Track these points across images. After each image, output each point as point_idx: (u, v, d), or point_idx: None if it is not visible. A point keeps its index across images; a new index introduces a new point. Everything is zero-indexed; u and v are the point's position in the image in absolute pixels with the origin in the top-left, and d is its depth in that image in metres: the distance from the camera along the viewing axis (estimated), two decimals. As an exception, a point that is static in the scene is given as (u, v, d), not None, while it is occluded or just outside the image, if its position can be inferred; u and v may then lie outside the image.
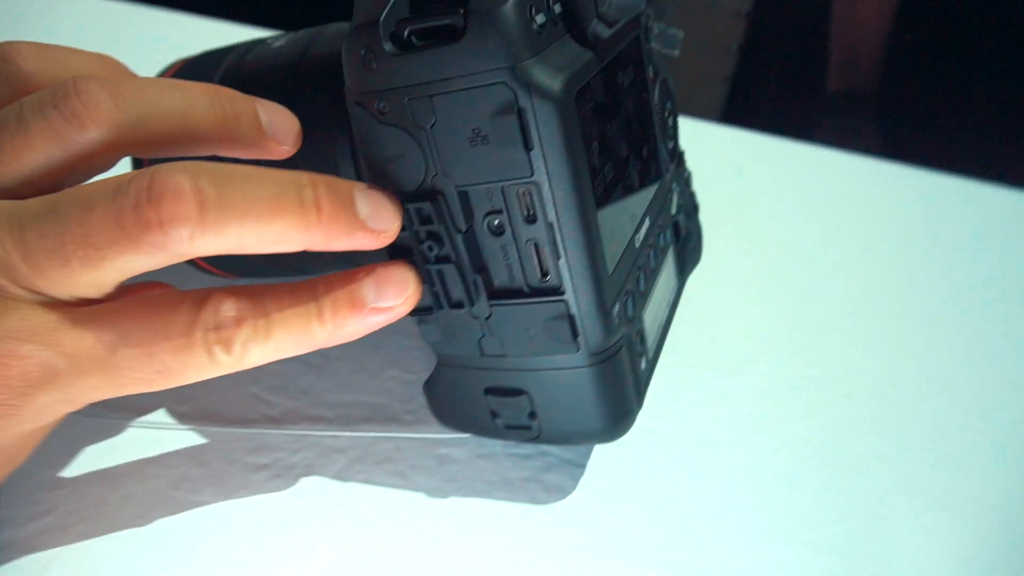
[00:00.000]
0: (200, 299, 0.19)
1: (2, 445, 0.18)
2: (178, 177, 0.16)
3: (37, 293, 0.18)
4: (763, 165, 0.46)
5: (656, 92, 0.26)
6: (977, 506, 0.25)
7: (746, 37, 1.01)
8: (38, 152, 0.18)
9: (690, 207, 0.31)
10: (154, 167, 0.17)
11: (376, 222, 0.19)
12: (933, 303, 0.35)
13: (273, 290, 0.19)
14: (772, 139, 0.48)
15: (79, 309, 0.18)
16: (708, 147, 0.45)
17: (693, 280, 0.31)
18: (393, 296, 0.20)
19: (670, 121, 0.27)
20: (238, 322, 0.18)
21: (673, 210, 0.28)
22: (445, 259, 0.20)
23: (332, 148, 0.24)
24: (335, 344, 0.20)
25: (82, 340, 0.18)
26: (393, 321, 0.20)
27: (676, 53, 0.29)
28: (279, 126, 0.21)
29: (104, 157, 0.18)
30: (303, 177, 0.18)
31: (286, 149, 0.21)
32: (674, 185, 0.28)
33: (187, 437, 0.25)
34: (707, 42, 1.00)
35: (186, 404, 0.26)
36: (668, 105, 0.27)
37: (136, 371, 0.18)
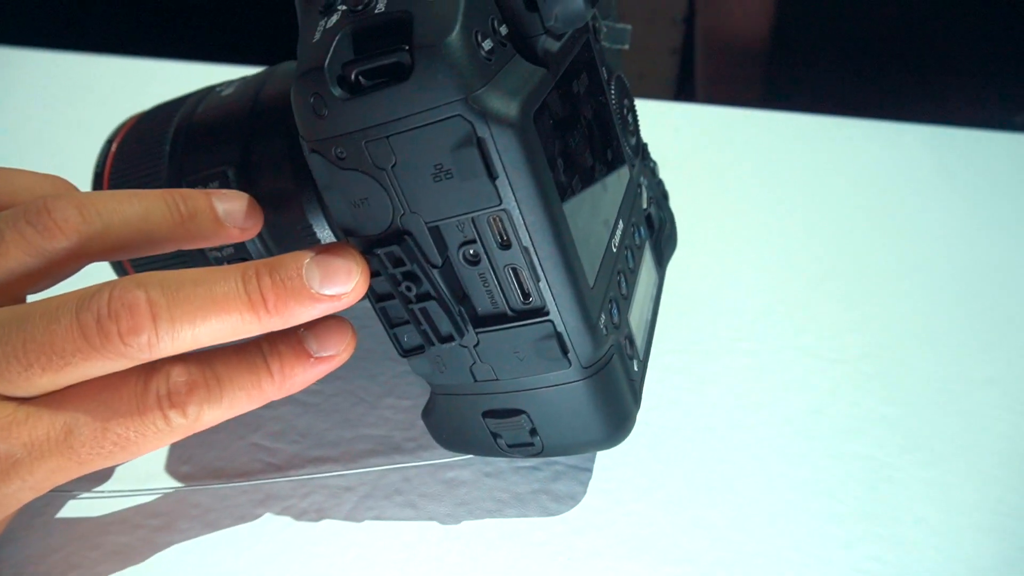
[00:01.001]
0: (149, 369, 0.20)
1: None
2: (134, 292, 0.18)
3: None
4: (723, 137, 0.46)
5: (612, 91, 0.26)
6: (978, 455, 0.26)
7: (690, 8, 1.00)
8: (12, 261, 0.20)
9: (660, 196, 0.31)
10: (113, 282, 0.19)
11: (332, 287, 0.20)
12: (910, 257, 0.36)
13: (221, 352, 0.21)
14: (728, 110, 0.49)
15: (32, 400, 0.19)
16: (664, 126, 0.45)
17: (670, 266, 0.31)
18: (334, 345, 0.21)
19: (629, 117, 0.27)
20: (190, 387, 0.20)
21: (644, 204, 0.28)
22: (426, 296, 0.20)
23: (298, 194, 0.24)
24: (286, 395, 0.21)
25: (36, 428, 0.19)
26: (338, 366, 0.22)
27: (626, 46, 0.29)
28: (235, 213, 0.22)
29: (71, 264, 0.20)
30: (250, 269, 0.20)
31: (246, 231, 0.22)
32: (642, 179, 0.28)
33: (194, 499, 0.25)
34: (653, 15, 0.99)
35: (188, 464, 0.26)
36: (625, 102, 0.27)
37: (94, 448, 0.19)
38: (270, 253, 0.25)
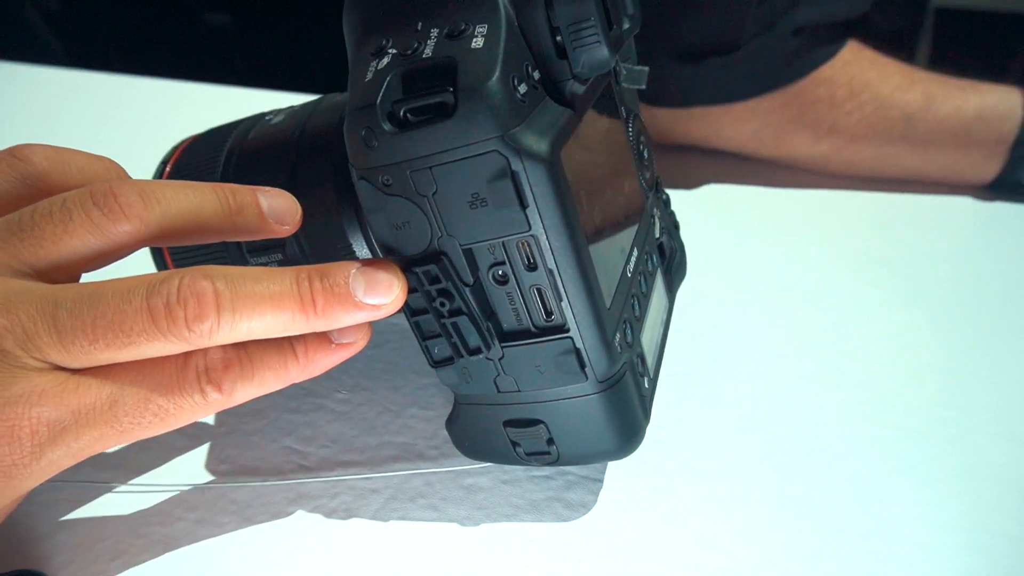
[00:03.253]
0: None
1: (10, 501, 0.21)
2: (202, 282, 0.20)
3: (48, 362, 0.20)
4: (729, 168, 0.48)
5: (630, 129, 0.28)
6: (970, 478, 0.28)
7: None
8: (78, 240, 0.21)
9: (671, 227, 0.33)
10: (182, 271, 0.20)
11: (374, 298, 0.22)
12: (908, 286, 0.37)
13: None
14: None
15: (83, 371, 0.21)
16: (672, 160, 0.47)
17: (680, 293, 0.33)
18: (352, 334, 0.23)
19: (645, 153, 0.29)
20: (226, 364, 0.21)
21: (657, 234, 0.30)
22: (458, 312, 0.22)
23: (339, 214, 0.26)
24: (309, 378, 0.23)
25: (85, 397, 0.20)
26: (355, 353, 0.23)
27: (643, 87, 0.31)
28: (279, 210, 0.24)
29: (131, 247, 0.22)
30: (303, 273, 0.22)
31: (288, 228, 0.24)
32: (655, 210, 0.30)
33: (231, 495, 0.27)
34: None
35: (226, 463, 0.28)
36: (642, 138, 0.29)
37: (135, 418, 0.21)
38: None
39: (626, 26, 0.26)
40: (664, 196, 0.33)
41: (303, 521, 0.26)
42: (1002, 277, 0.39)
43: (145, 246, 0.22)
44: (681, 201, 0.36)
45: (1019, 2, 1.08)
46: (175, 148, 0.30)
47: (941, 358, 0.33)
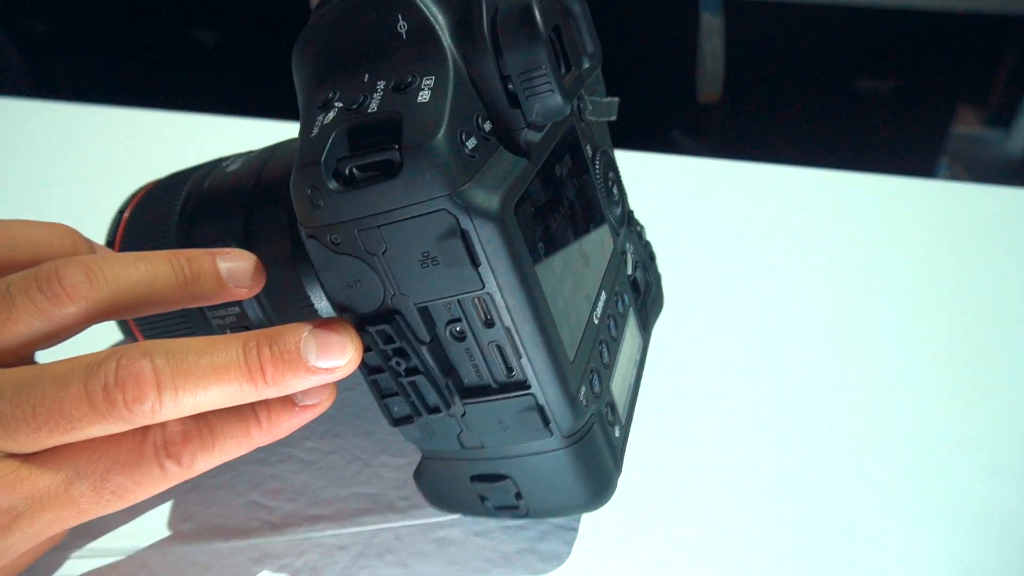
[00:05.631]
0: None
1: None
2: (140, 363, 0.20)
3: None
4: (706, 190, 0.47)
5: (597, 166, 0.27)
6: (955, 515, 0.27)
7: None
8: (22, 325, 0.21)
9: (646, 259, 0.32)
10: (120, 350, 0.20)
11: (327, 361, 0.21)
12: (889, 316, 0.37)
13: None
14: (708, 161, 0.50)
15: (35, 455, 0.20)
16: (649, 178, 0.46)
17: (656, 326, 0.32)
18: (316, 395, 0.23)
19: (614, 189, 0.29)
20: (185, 437, 0.21)
21: (629, 270, 0.29)
22: (414, 371, 0.21)
23: (296, 266, 0.25)
24: (273, 441, 0.23)
25: (39, 482, 0.20)
26: (319, 414, 0.23)
27: (614, 118, 0.30)
28: (239, 273, 0.23)
29: (79, 326, 0.22)
30: (251, 340, 0.21)
31: (247, 291, 0.23)
32: (628, 246, 0.30)
33: (193, 557, 0.26)
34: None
35: (189, 521, 0.27)
36: (610, 175, 0.28)
37: (93, 498, 0.20)
38: (270, 321, 0.26)
39: (586, 66, 0.25)
40: (639, 228, 0.33)
41: (267, 583, 0.25)
42: (992, 305, 0.38)
43: (96, 323, 0.22)
44: (655, 223, 0.35)
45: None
46: (132, 196, 0.30)
47: (928, 390, 0.32)
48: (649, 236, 0.34)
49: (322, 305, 0.25)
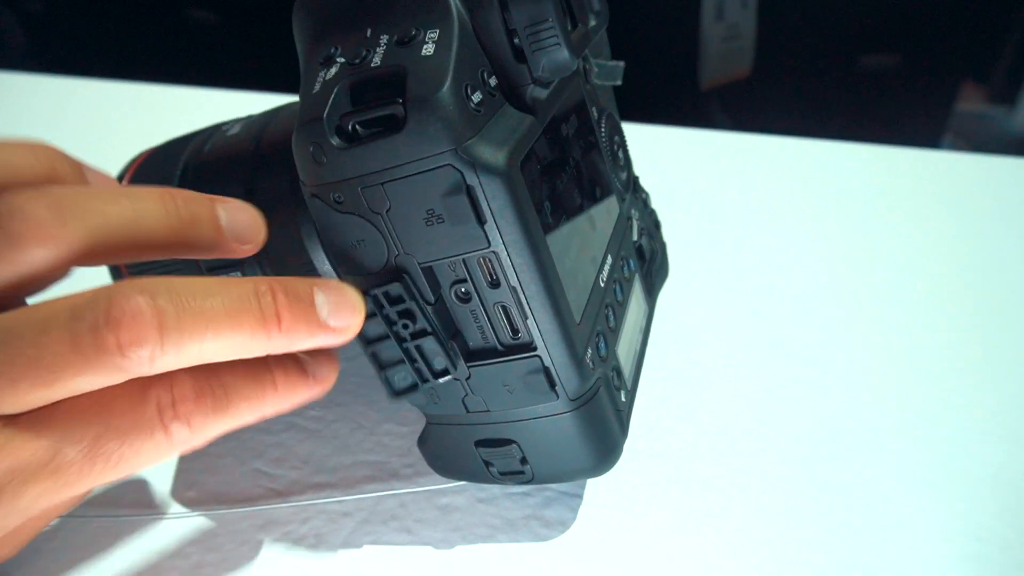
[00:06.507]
0: (147, 378, 0.18)
1: None
2: (136, 299, 0.17)
3: None
4: (714, 161, 0.47)
5: (603, 129, 0.27)
6: (963, 481, 0.27)
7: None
8: None
9: (651, 227, 0.32)
10: (111, 287, 0.17)
11: (338, 320, 0.20)
12: (899, 283, 0.36)
13: (225, 362, 0.19)
14: (718, 133, 0.50)
15: (18, 418, 0.18)
16: (657, 150, 0.46)
17: (662, 295, 0.32)
18: (327, 369, 0.21)
19: (620, 153, 0.28)
20: (198, 395, 0.18)
21: (635, 236, 0.29)
22: (422, 333, 0.21)
23: (298, 230, 0.24)
24: (279, 413, 0.21)
25: (20, 452, 0.17)
26: (325, 392, 0.21)
27: (619, 83, 0.30)
28: (240, 225, 0.21)
29: (53, 273, 0.18)
30: (262, 285, 0.19)
31: (248, 248, 0.21)
32: (633, 212, 0.29)
33: (197, 523, 0.26)
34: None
35: (192, 490, 0.27)
36: (616, 139, 0.28)
37: (83, 468, 0.18)
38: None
39: (593, 23, 0.25)
40: (644, 195, 0.32)
41: (272, 548, 0.25)
42: (1001, 275, 0.37)
43: (74, 267, 0.19)
44: (662, 195, 0.35)
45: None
46: (130, 163, 0.29)
47: (934, 358, 0.32)
48: (656, 206, 0.34)
49: (325, 268, 0.25)
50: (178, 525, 0.26)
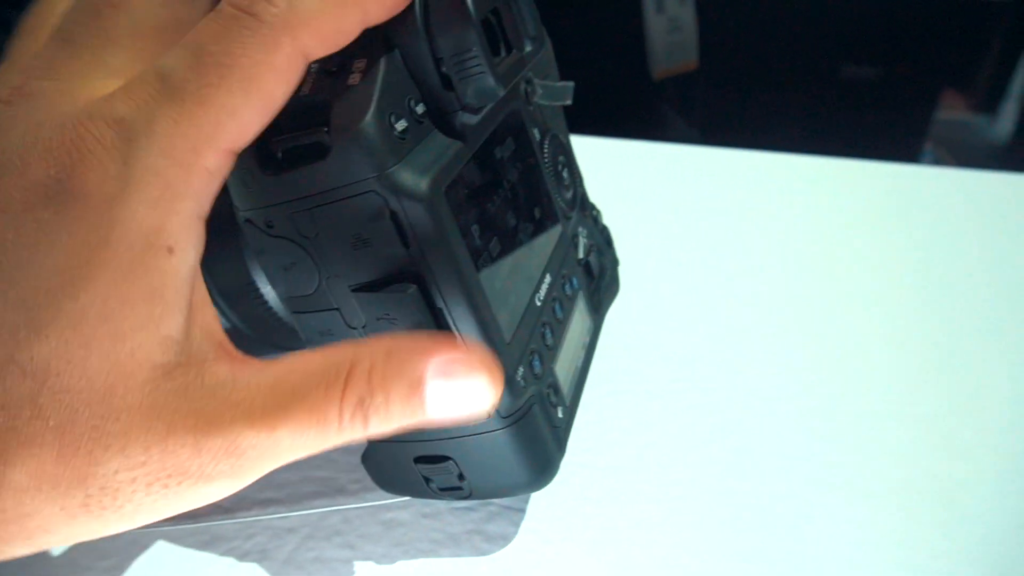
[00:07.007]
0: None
1: None
2: None
3: None
4: (666, 174, 0.48)
5: (545, 150, 0.27)
6: (905, 494, 0.27)
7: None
8: None
9: (602, 243, 0.32)
10: None
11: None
12: (842, 297, 0.37)
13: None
14: (669, 146, 0.50)
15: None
16: (610, 164, 0.46)
17: (613, 309, 0.32)
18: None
19: (564, 173, 0.29)
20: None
21: (581, 254, 0.29)
22: None
23: (241, 252, 0.25)
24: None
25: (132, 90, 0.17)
26: None
27: (568, 102, 0.30)
28: None
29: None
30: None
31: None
32: (580, 230, 0.30)
33: (143, 540, 0.26)
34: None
35: (140, 505, 0.27)
36: (560, 159, 0.28)
37: (194, 83, 0.16)
38: (221, 311, 0.26)
39: (528, 48, 0.25)
40: (594, 212, 0.33)
41: (216, 565, 0.25)
42: (948, 288, 0.38)
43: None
44: (618, 209, 0.36)
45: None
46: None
47: (875, 369, 0.33)
48: (613, 222, 0.34)
49: (266, 289, 0.25)
50: (121, 541, 0.26)
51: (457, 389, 0.17)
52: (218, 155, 0.17)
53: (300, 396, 0.17)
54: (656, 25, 0.94)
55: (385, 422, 0.17)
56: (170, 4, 0.19)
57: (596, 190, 0.33)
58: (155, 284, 0.16)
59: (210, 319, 0.18)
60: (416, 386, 0.17)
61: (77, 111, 0.17)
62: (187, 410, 0.16)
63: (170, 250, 0.17)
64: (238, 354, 0.18)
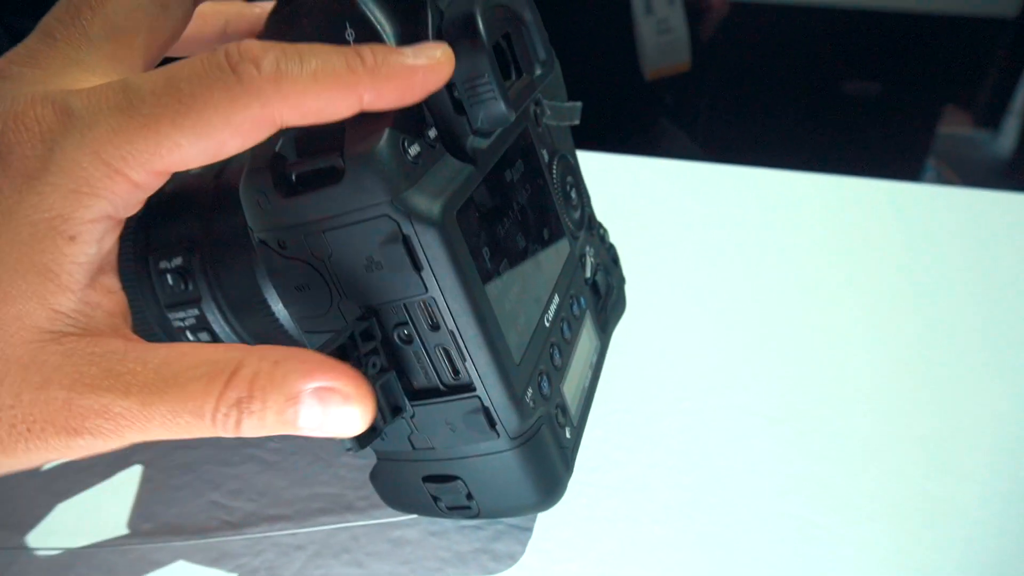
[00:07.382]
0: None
1: None
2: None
3: None
4: (673, 192, 0.48)
5: (554, 171, 0.28)
6: (904, 515, 0.27)
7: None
8: None
9: (609, 262, 0.33)
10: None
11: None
12: (845, 320, 0.37)
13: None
14: (676, 163, 0.51)
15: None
16: (616, 180, 0.47)
17: (619, 328, 0.32)
18: (429, 54, 0.19)
19: (572, 193, 0.29)
20: (264, 47, 0.17)
21: (588, 273, 0.30)
22: (385, 370, 0.21)
23: (253, 270, 0.25)
24: (374, 87, 0.18)
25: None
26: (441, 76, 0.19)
27: (576, 122, 0.30)
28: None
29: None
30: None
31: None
32: (587, 249, 0.30)
33: (152, 556, 0.26)
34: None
35: (150, 521, 0.27)
36: (569, 179, 0.29)
37: (156, 104, 0.17)
38: (230, 325, 0.26)
39: (538, 72, 0.26)
40: (601, 231, 0.33)
41: (224, 582, 0.25)
42: (948, 311, 0.38)
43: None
44: (624, 227, 0.36)
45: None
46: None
47: (876, 392, 0.33)
48: (619, 239, 0.34)
49: (278, 308, 0.25)
50: (133, 558, 0.26)
51: (330, 414, 0.18)
52: (147, 173, 0.18)
53: (181, 382, 0.18)
54: (646, 26, 0.97)
55: (258, 427, 0.18)
56: (146, 10, 0.20)
57: (601, 207, 0.34)
58: (49, 264, 0.18)
59: (114, 306, 0.19)
60: (292, 401, 0.18)
61: (36, 92, 0.18)
62: (68, 370, 0.18)
63: (72, 238, 0.18)
64: (135, 337, 0.19)
